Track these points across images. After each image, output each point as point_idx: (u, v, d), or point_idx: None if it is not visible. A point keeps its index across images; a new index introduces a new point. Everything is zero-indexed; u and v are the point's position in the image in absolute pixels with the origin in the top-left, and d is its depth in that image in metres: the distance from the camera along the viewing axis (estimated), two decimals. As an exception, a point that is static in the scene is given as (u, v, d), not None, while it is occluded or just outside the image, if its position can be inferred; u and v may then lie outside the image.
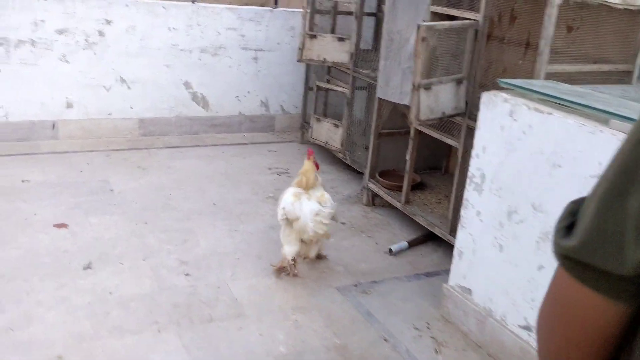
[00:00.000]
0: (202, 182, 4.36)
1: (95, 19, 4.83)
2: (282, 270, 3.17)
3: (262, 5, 5.76)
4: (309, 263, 3.30)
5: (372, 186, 4.13)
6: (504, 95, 2.53)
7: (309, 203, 2.97)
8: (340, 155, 4.71)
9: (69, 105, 4.94)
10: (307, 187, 3.05)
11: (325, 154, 5.09)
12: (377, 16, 5.26)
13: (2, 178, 4.06)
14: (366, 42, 5.23)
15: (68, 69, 4.85)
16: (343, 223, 3.89)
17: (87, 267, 3.10)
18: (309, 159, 3.12)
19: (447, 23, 2.96)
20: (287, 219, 3.00)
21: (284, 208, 2.99)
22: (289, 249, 3.05)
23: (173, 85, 5.25)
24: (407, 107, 3.79)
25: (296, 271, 3.13)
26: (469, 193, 2.75)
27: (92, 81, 4.96)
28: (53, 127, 4.91)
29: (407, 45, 3.62)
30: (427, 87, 2.96)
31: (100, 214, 3.70)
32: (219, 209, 3.91)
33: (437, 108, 3.05)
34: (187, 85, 5.30)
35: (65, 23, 4.74)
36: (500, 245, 2.59)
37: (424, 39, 2.84)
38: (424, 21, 3.47)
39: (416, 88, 2.91)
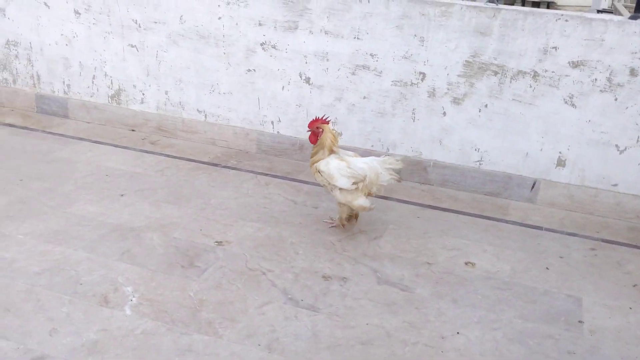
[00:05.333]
0: None
1: (629, 52, 3.32)
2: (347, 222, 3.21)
3: None
4: None
5: None
6: None
7: (358, 159, 3.04)
8: None
9: (560, 163, 3.63)
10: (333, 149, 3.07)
11: None
12: None
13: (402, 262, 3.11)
14: None
15: (573, 114, 3.52)
16: None
17: None
18: (324, 123, 3.06)
19: None
20: (355, 183, 3.02)
21: (349, 176, 2.99)
22: (363, 200, 3.05)
23: None
24: None
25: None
26: None
27: (602, 136, 3.51)
28: (532, 187, 3.70)
29: None
30: None
31: (547, 369, 2.34)
32: None
33: None
34: None
35: (585, 53, 3.39)
36: None
37: None
38: None
39: None
